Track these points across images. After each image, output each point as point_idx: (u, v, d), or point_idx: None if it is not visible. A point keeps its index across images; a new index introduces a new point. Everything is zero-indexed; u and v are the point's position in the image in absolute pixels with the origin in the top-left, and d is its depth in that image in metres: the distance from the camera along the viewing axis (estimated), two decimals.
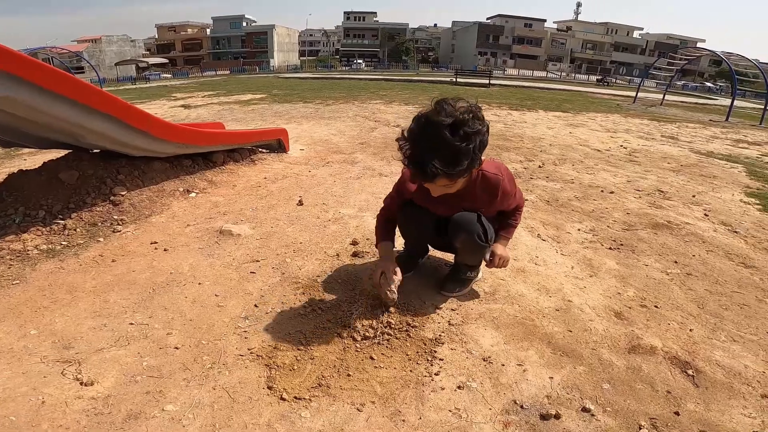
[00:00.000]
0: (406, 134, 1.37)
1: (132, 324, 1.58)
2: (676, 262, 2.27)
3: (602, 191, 3.48)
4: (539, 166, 4.21)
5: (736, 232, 2.76)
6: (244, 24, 59.57)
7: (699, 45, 49.50)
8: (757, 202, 3.48)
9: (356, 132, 5.79)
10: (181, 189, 3.02)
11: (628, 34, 62.06)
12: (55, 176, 2.71)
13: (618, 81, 41.84)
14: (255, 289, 1.83)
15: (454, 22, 70.09)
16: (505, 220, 1.79)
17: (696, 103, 19.18)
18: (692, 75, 55.76)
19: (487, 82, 19.80)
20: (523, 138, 5.79)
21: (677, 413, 1.25)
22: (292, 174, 3.62)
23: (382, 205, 1.83)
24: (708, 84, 46.92)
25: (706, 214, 3.07)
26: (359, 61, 54.89)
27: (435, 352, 1.46)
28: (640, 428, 1.19)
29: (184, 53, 59.86)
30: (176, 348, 1.45)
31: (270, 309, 1.68)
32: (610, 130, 7.33)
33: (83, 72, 34.97)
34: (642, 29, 63.26)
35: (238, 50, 58.84)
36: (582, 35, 60.32)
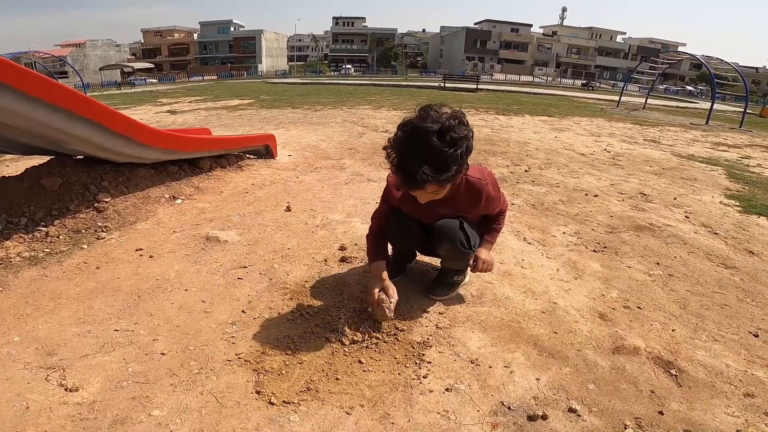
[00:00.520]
0: (392, 142, 1.37)
1: (117, 330, 1.56)
2: (658, 263, 2.32)
3: (586, 195, 3.53)
4: (525, 171, 4.26)
5: (716, 233, 2.83)
6: (232, 29, 59.38)
7: (680, 49, 50.61)
8: (737, 203, 3.57)
9: (344, 137, 5.80)
10: (167, 195, 3.00)
11: (611, 39, 63.29)
12: (37, 183, 2.66)
13: (602, 85, 42.54)
14: (242, 294, 1.82)
15: (442, 27, 70.78)
16: (489, 225, 1.81)
17: (677, 107, 19.61)
18: (674, 79, 56.97)
19: (475, 86, 20.01)
20: (509, 143, 5.85)
21: (661, 413, 1.27)
22: (280, 180, 3.61)
23: (371, 223, 1.83)
24: (689, 88, 47.97)
25: (687, 216, 3.14)
26: (348, 66, 54.95)
27: (423, 355, 1.47)
28: (626, 428, 1.21)
29: (170, 58, 59.40)
30: (162, 354, 1.44)
31: (258, 314, 1.67)
32: (595, 134, 7.45)
33: (67, 77, 34.49)
34: (625, 33, 64.69)
35: (226, 55, 58.59)
36: (567, 40, 61.33)
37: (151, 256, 2.18)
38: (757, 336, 1.70)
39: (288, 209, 2.87)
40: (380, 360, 1.44)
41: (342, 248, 2.27)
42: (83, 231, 2.43)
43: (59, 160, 2.85)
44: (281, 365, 1.38)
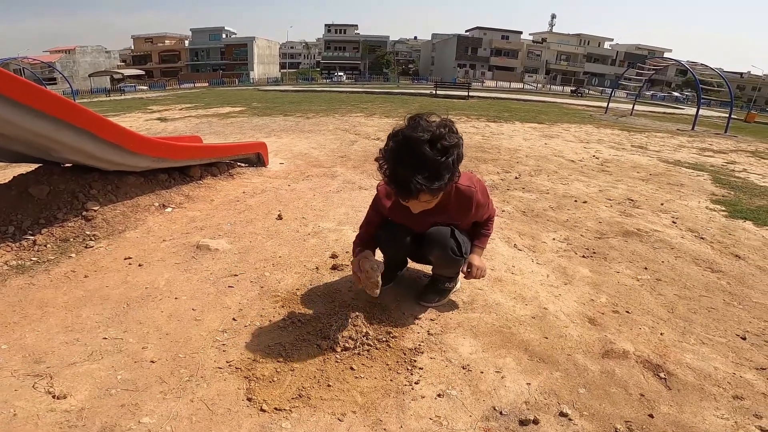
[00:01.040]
0: (384, 153, 1.38)
1: (105, 339, 1.55)
2: (646, 268, 2.35)
3: (576, 201, 3.57)
4: (516, 178, 4.30)
5: (702, 238, 2.87)
6: (224, 36, 59.30)
7: (666, 55, 51.56)
8: (723, 208, 3.63)
9: (336, 145, 5.81)
10: (157, 204, 2.98)
11: (599, 45, 64.27)
12: (25, 191, 2.63)
13: (591, 92, 43.15)
14: (233, 302, 1.81)
15: (433, 35, 71.41)
16: (479, 230, 1.83)
17: (664, 113, 19.93)
18: (660, 85, 57.99)
19: (466, 94, 20.12)
20: (500, 150, 5.90)
21: (651, 416, 1.29)
22: (272, 188, 3.61)
23: (358, 231, 1.84)
24: (675, 93, 48.83)
25: (674, 222, 3.19)
26: (340, 73, 55.03)
27: (415, 361, 1.47)
28: (616, 431, 1.22)
29: (161, 65, 59.15)
30: (152, 362, 1.43)
31: (249, 322, 1.67)
32: (583, 140, 7.54)
33: (56, 83, 34.25)
34: (612, 40, 65.67)
35: (218, 62, 58.46)
36: (556, 47, 62.17)
37: (140, 265, 2.16)
38: (744, 339, 1.72)
39: (279, 217, 2.86)
40: (372, 366, 1.44)
41: (333, 256, 2.27)
42: (71, 239, 2.40)
43: (47, 168, 2.82)
44: (273, 372, 1.38)
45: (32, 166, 2.91)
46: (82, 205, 2.64)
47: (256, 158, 4.27)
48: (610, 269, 2.31)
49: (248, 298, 1.85)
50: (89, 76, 39.14)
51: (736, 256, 2.60)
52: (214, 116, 10.06)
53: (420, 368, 1.44)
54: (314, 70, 65.39)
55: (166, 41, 60.78)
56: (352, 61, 65.04)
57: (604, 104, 18.22)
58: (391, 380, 1.38)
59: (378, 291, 1.63)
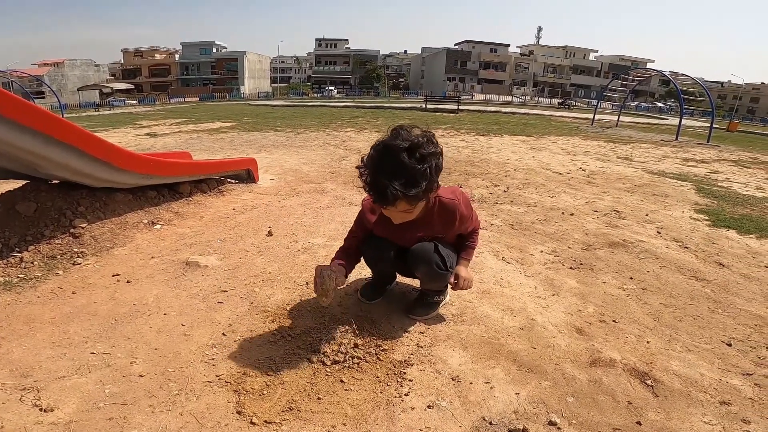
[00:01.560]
0: (365, 161, 1.42)
1: (93, 353, 1.54)
2: (631, 278, 2.38)
3: (563, 213, 3.62)
4: (504, 191, 4.35)
5: (686, 247, 2.93)
6: (215, 50, 59.59)
7: (648, 65, 52.69)
8: (706, 218, 3.71)
9: (327, 161, 5.84)
10: (146, 221, 2.96)
11: (584, 57, 65.65)
12: (11, 208, 2.61)
13: (577, 103, 43.95)
14: (223, 318, 1.81)
15: (423, 49, 72.47)
16: (464, 243, 1.85)
17: (648, 124, 20.37)
18: (644, 95, 59.24)
19: (456, 107, 20.38)
20: (489, 163, 5.98)
21: (639, 423, 1.30)
22: (262, 204, 3.61)
23: (342, 244, 1.84)
24: (659, 104, 49.88)
25: (658, 232, 3.25)
26: (331, 87, 55.52)
27: (404, 373, 1.48)
28: None
29: (151, 79, 59.13)
30: (141, 376, 1.42)
31: (239, 337, 1.66)
32: (570, 153, 7.67)
33: (44, 97, 34.01)
34: (597, 51, 67.14)
35: (208, 76, 58.62)
36: (543, 59, 63.37)
37: (128, 281, 2.15)
38: (730, 345, 1.76)
39: (269, 234, 2.86)
40: (362, 379, 1.44)
41: None
42: (58, 256, 2.39)
43: (34, 184, 2.81)
44: (263, 386, 1.38)
45: (19, 183, 2.89)
46: (69, 222, 2.62)
47: (246, 174, 4.27)
48: (597, 280, 2.34)
49: (238, 313, 1.85)
50: (78, 90, 38.98)
51: (720, 264, 2.66)
52: (204, 132, 10.07)
53: (410, 380, 1.45)
54: (305, 85, 65.80)
55: (156, 55, 60.87)
56: (343, 75, 65.68)
57: (591, 116, 18.57)
58: (381, 392, 1.38)
59: (327, 300, 1.58)
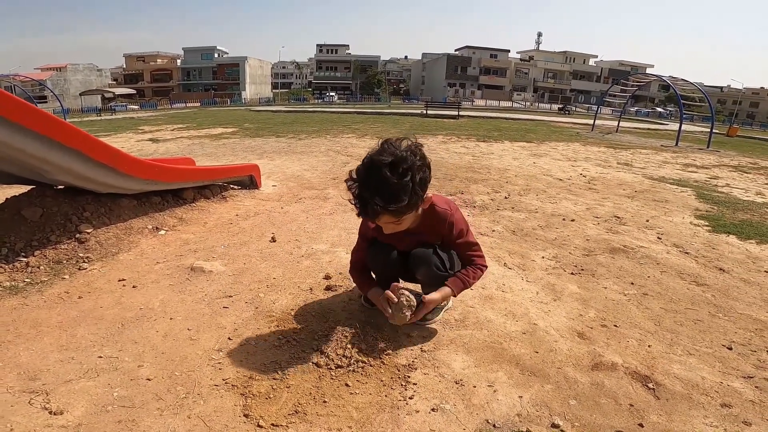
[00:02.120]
0: (352, 175, 1.46)
1: (101, 357, 1.56)
2: (632, 283, 2.40)
3: (564, 219, 3.65)
4: (505, 197, 4.37)
5: (687, 253, 2.95)
6: (216, 55, 59.79)
7: (648, 71, 52.84)
8: (706, 223, 3.73)
9: (329, 167, 5.87)
10: (150, 226, 2.99)
11: (584, 62, 65.86)
12: (17, 213, 2.64)
13: (577, 109, 44.06)
14: (228, 323, 1.83)
15: (424, 54, 72.69)
16: (458, 271, 1.75)
17: (648, 129, 20.43)
18: (644, 101, 59.39)
19: (456, 113, 20.40)
20: (490, 169, 6.01)
21: (641, 425, 1.32)
22: (265, 210, 3.64)
23: (351, 258, 1.90)
24: (659, 109, 49.99)
25: (659, 237, 3.27)
26: (332, 93, 55.54)
27: (409, 377, 1.50)
28: None
29: (152, 84, 59.32)
30: (148, 379, 1.44)
31: (244, 341, 1.68)
32: (571, 158, 7.70)
33: (46, 101, 34.13)
34: (597, 56, 67.37)
35: (209, 82, 58.80)
36: (543, 64, 63.55)
37: (134, 286, 2.17)
38: (730, 349, 1.77)
39: (273, 240, 2.88)
40: (367, 383, 1.46)
41: (327, 277, 2.29)
42: (64, 261, 2.41)
43: (40, 190, 2.84)
44: (269, 389, 1.40)
45: (25, 188, 2.92)
46: (75, 228, 2.65)
47: (249, 180, 4.30)
48: (598, 285, 2.36)
49: (243, 318, 1.87)
50: (80, 94, 39.11)
51: (721, 269, 2.68)
52: (206, 137, 10.12)
53: (414, 384, 1.47)
54: (306, 90, 66.05)
55: (158, 60, 61.12)
56: (344, 81, 65.88)
57: (591, 121, 18.63)
58: (385, 396, 1.40)
59: (406, 320, 1.63)
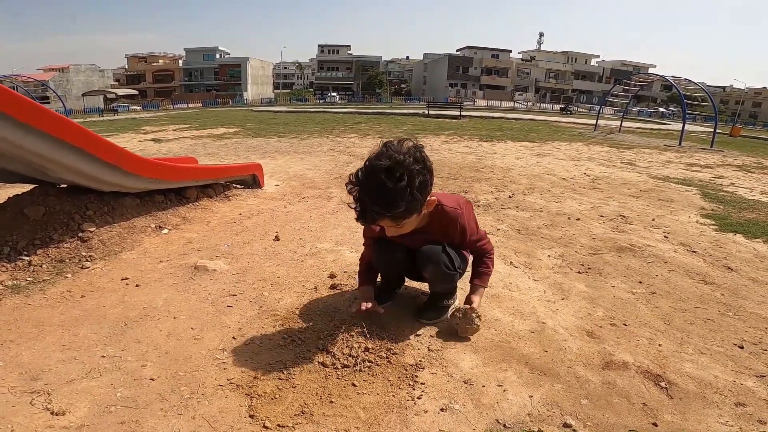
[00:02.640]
0: (352, 179, 1.43)
1: (104, 357, 1.54)
2: (640, 282, 2.38)
3: (569, 218, 3.62)
4: (509, 196, 4.34)
5: (694, 251, 2.92)
6: (218, 56, 59.89)
7: (650, 71, 52.72)
8: (713, 222, 3.70)
9: (331, 166, 5.85)
10: (153, 225, 2.97)
11: (586, 62, 65.76)
12: (20, 212, 2.63)
13: (579, 109, 43.99)
14: (233, 322, 1.81)
15: (425, 55, 72.70)
16: (476, 268, 1.84)
17: (651, 129, 20.36)
18: (646, 101, 59.28)
19: (458, 113, 20.34)
20: (493, 169, 5.98)
21: (655, 424, 1.30)
22: (268, 209, 3.62)
23: (360, 263, 1.92)
24: (661, 109, 49.89)
25: (665, 236, 3.24)
26: (333, 93, 55.48)
27: (416, 376, 1.48)
28: None
29: (154, 84, 59.44)
30: (152, 379, 1.42)
31: (249, 341, 1.66)
32: (574, 158, 7.67)
33: (48, 102, 34.15)
34: (598, 57, 67.25)
35: (211, 82, 58.90)
36: (545, 64, 63.48)
37: (137, 285, 2.15)
38: (742, 347, 1.75)
39: (276, 239, 2.86)
40: (374, 383, 1.44)
41: (332, 276, 2.27)
42: (67, 260, 2.39)
43: (43, 188, 2.82)
44: (274, 389, 1.37)
45: (27, 187, 2.91)
46: (78, 226, 2.63)
47: (252, 180, 4.28)
48: (606, 284, 2.33)
49: (247, 317, 1.85)
50: (82, 95, 39.15)
51: (729, 268, 2.65)
52: (208, 137, 10.12)
53: (422, 383, 1.44)
54: (307, 91, 66.05)
55: (159, 60, 61.25)
56: (345, 81, 65.92)
57: (593, 121, 18.58)
58: (393, 396, 1.38)
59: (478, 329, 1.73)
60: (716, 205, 4.43)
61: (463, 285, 1.92)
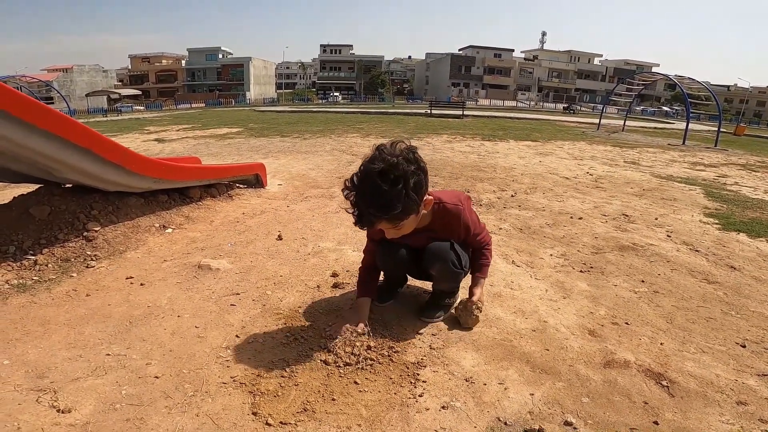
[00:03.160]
0: (347, 183, 1.44)
1: (109, 355, 1.55)
2: (643, 281, 2.38)
3: (571, 217, 3.62)
4: (512, 196, 4.34)
5: (697, 251, 2.91)
6: (221, 56, 60.01)
7: (654, 70, 52.53)
8: (716, 221, 3.69)
9: (334, 166, 5.87)
10: (157, 225, 2.99)
11: (589, 61, 65.56)
12: (25, 211, 2.65)
13: (582, 108, 43.84)
14: (236, 320, 1.82)
15: (427, 54, 72.64)
16: (477, 261, 1.86)
17: (655, 128, 20.29)
18: (650, 100, 59.04)
19: (461, 113, 20.31)
20: (496, 168, 5.98)
21: (656, 423, 1.30)
22: (271, 209, 3.63)
23: (363, 258, 1.91)
24: (665, 108, 49.64)
25: (668, 235, 3.23)
26: (336, 93, 55.49)
27: (418, 374, 1.48)
28: None
29: (158, 85, 59.62)
30: (156, 377, 1.43)
31: (252, 339, 1.67)
32: (577, 157, 7.66)
33: (52, 102, 34.30)
34: (602, 56, 67.05)
35: (214, 82, 59.01)
36: (548, 64, 63.33)
37: (142, 284, 2.17)
38: (744, 346, 1.75)
39: (279, 238, 2.87)
40: (376, 380, 1.44)
41: (334, 275, 2.28)
42: (72, 259, 2.41)
43: (48, 188, 2.84)
44: (277, 387, 1.38)
45: (33, 187, 2.93)
46: (83, 226, 2.65)
47: (255, 179, 4.30)
48: (608, 283, 2.33)
49: (251, 315, 1.86)
50: (86, 95, 39.32)
51: (732, 267, 2.64)
52: (211, 137, 10.15)
53: (423, 381, 1.45)
54: (310, 91, 66.10)
55: (163, 61, 61.41)
56: (348, 81, 65.92)
57: (596, 121, 18.52)
58: (395, 393, 1.39)
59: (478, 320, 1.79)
60: (720, 204, 4.41)
61: (464, 284, 1.92)
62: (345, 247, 2.73)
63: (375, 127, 12.93)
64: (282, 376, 1.44)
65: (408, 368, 1.52)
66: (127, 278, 2.22)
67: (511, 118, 21.37)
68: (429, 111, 21.93)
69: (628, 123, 18.15)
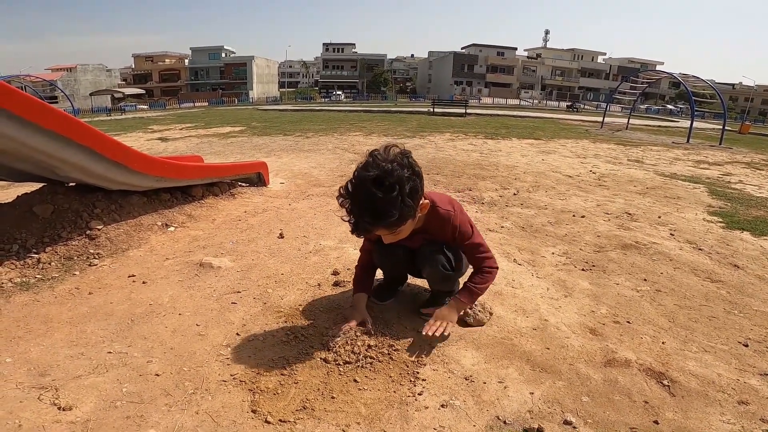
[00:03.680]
0: (342, 191, 1.43)
1: (110, 353, 1.56)
2: (645, 279, 2.36)
3: (574, 216, 3.60)
4: (514, 194, 4.33)
5: (700, 249, 2.90)
6: (223, 55, 60.04)
7: (658, 68, 52.18)
8: (720, 220, 3.66)
9: (336, 164, 5.87)
10: (160, 223, 3.00)
11: (593, 59, 65.23)
12: (29, 210, 2.67)
13: (586, 106, 43.64)
14: (237, 318, 1.83)
15: (430, 53, 72.45)
16: (471, 279, 1.73)
17: (659, 126, 20.17)
18: (654, 98, 58.67)
19: (463, 111, 20.29)
20: (498, 167, 5.97)
21: (656, 422, 1.29)
22: (273, 207, 3.64)
23: (359, 256, 1.90)
24: (669, 106, 49.33)
25: (671, 234, 3.22)
26: (338, 92, 55.46)
27: (417, 373, 1.48)
28: None
29: (161, 84, 59.73)
30: (157, 375, 1.44)
31: (252, 337, 1.68)
32: (580, 155, 7.63)
33: (56, 102, 34.47)
34: (605, 54, 66.68)
35: (217, 81, 59.08)
36: (551, 62, 63.05)
37: (144, 282, 2.18)
38: (746, 346, 1.74)
39: (281, 236, 2.88)
40: (375, 379, 1.44)
41: (335, 273, 2.28)
42: (75, 258, 2.42)
43: (51, 187, 2.86)
44: (277, 385, 1.39)
45: (36, 185, 2.95)
46: (86, 224, 2.67)
47: (257, 178, 4.30)
48: (610, 281, 2.32)
49: (251, 313, 1.87)
50: (90, 94, 39.49)
51: (735, 266, 2.63)
52: (214, 136, 10.17)
53: (423, 380, 1.45)
54: (313, 89, 66.11)
55: (166, 60, 61.51)
56: (350, 79, 65.86)
57: (600, 119, 18.43)
58: (394, 392, 1.39)
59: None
60: (724, 202, 4.39)
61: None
62: (346, 245, 2.73)
63: (377, 125, 12.93)
64: (282, 374, 1.44)
65: (408, 366, 1.52)
66: (129, 276, 2.23)
67: (514, 116, 21.30)
68: (432, 109, 21.89)
69: (632, 121, 18.05)
